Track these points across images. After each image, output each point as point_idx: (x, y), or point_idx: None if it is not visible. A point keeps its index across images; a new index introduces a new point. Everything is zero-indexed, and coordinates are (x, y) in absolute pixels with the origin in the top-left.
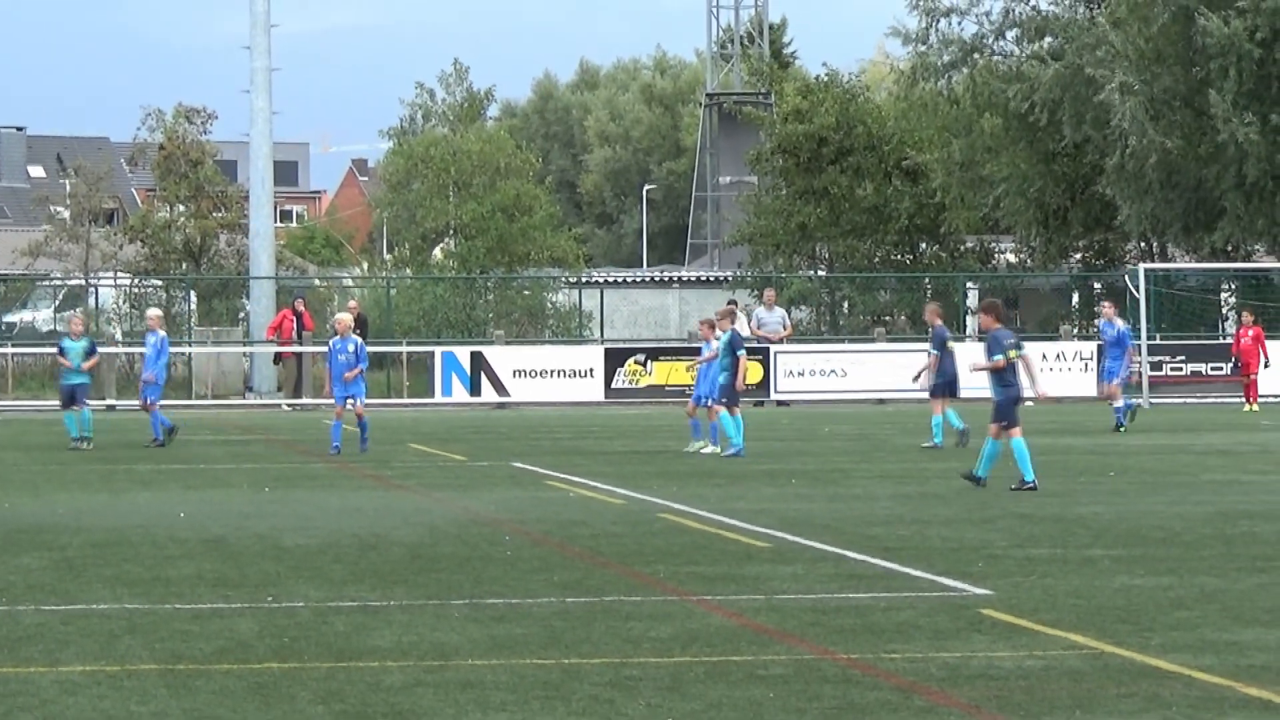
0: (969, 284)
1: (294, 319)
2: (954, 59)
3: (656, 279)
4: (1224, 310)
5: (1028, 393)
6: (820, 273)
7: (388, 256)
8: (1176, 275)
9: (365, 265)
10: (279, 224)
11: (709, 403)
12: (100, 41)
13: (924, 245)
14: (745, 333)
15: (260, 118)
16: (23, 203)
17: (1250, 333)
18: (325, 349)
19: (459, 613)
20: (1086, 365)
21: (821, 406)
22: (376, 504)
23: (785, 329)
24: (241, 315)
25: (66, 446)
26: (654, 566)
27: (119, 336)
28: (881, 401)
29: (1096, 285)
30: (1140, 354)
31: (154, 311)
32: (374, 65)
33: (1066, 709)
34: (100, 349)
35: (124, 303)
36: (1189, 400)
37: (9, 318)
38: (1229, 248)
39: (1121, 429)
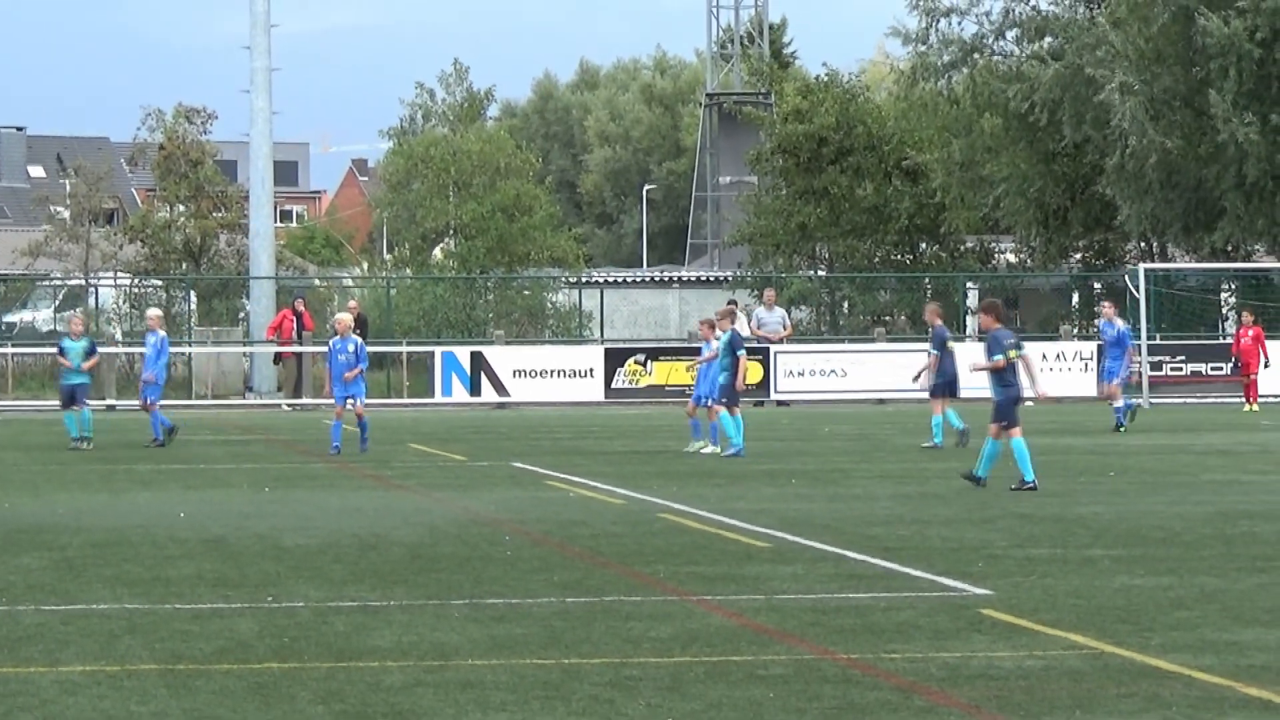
0: (969, 284)
1: (294, 319)
2: (954, 59)
3: (656, 279)
4: (1224, 310)
5: (1028, 393)
6: (820, 273)
7: (388, 256)
8: (1176, 275)
9: (365, 265)
10: (279, 224)
11: (709, 403)
12: (100, 41)
13: (924, 245)
14: (745, 333)
15: (260, 118)
16: (23, 203)
17: (1250, 333)
18: (325, 349)
19: (459, 613)
20: (1086, 365)
21: (821, 406)
22: (376, 504)
23: (785, 329)
24: (241, 315)
25: (66, 447)
26: (654, 566)
27: (119, 336)
28: (881, 401)
29: (1096, 285)
30: (1140, 354)
31: (154, 311)
32: (374, 65)
33: (1066, 709)
34: (100, 349)
35: (124, 303)
36: (1189, 400)
37: (9, 318)
38: (1229, 248)
39: (1121, 429)
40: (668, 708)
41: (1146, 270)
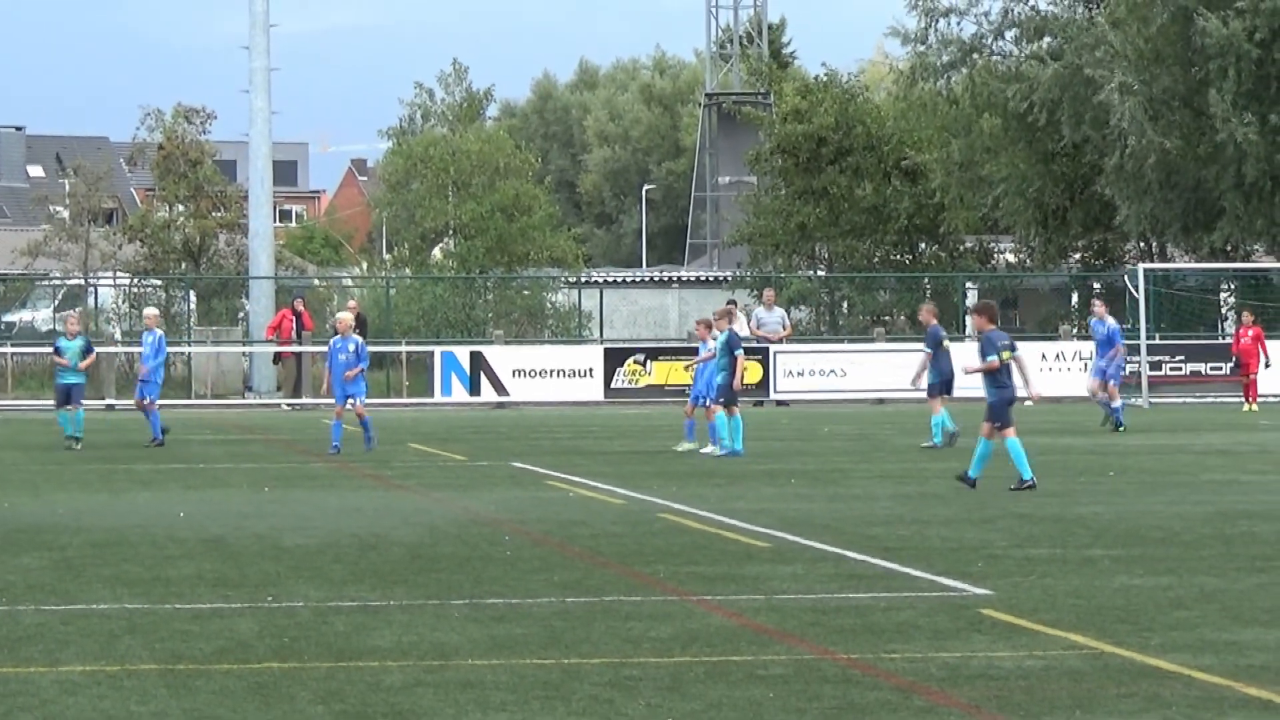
0: (968, 284)
1: (293, 319)
2: (953, 59)
3: (656, 279)
4: (1223, 310)
5: (1021, 393)
6: (820, 273)
7: (387, 256)
8: (1176, 275)
9: (365, 265)
10: (278, 224)
11: (706, 403)
12: (100, 41)
13: (923, 245)
14: (745, 333)
15: (260, 118)
16: (22, 202)
17: (1250, 333)
18: (325, 349)
19: (459, 613)
20: (1086, 365)
21: (821, 406)
22: (376, 504)
23: (785, 329)
24: (241, 315)
25: (61, 445)
26: (654, 566)
27: (118, 336)
28: (881, 401)
29: (1096, 285)
30: (1140, 354)
31: (151, 310)
32: (374, 65)
33: (1066, 709)
34: (99, 349)
35: (123, 302)
36: (1188, 400)
37: (8, 317)
38: (1228, 248)
39: (1121, 429)
40: (668, 708)
41: (1146, 270)
